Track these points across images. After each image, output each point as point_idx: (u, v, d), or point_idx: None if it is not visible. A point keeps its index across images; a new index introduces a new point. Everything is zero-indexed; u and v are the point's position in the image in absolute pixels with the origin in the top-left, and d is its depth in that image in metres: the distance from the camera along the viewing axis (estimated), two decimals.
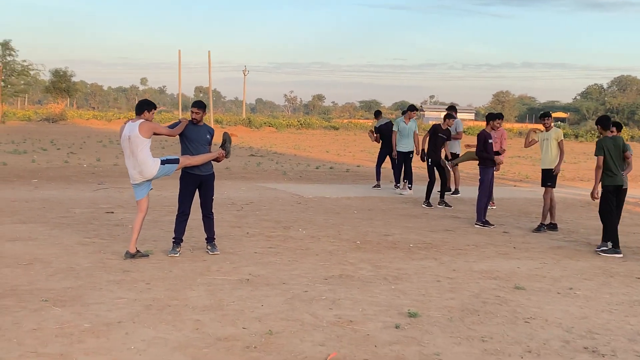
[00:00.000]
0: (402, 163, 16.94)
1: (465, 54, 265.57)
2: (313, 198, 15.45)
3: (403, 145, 16.69)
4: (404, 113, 16.91)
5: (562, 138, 12.09)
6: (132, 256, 8.75)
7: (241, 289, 7.44)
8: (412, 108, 16.86)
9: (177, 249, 9.14)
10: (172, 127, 9.07)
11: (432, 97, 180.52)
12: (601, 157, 10.33)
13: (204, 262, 8.72)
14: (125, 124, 8.85)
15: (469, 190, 17.06)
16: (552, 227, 12.20)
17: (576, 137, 64.43)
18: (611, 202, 10.37)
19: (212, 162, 9.32)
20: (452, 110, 16.47)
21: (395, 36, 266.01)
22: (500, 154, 13.91)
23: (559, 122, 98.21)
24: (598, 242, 10.66)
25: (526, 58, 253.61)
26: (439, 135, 14.68)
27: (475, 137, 14.48)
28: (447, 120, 14.90)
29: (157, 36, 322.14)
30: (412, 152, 16.73)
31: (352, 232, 11.24)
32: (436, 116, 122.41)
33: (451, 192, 16.52)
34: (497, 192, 17.02)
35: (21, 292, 7.02)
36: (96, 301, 6.78)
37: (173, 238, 9.21)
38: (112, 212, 12.34)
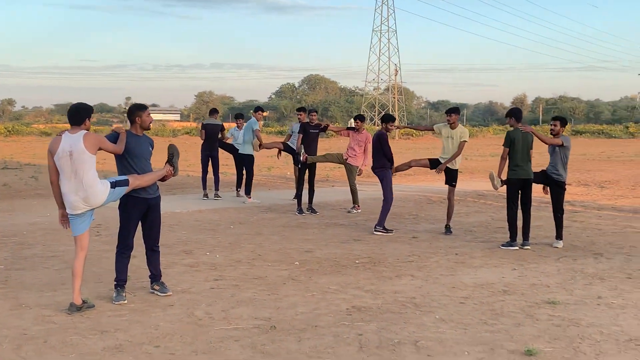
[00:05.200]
0: (248, 167, 15.48)
1: (157, 55, 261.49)
2: (164, 214, 13.44)
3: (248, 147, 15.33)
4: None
5: (467, 139, 11.53)
6: (79, 309, 6.63)
7: (285, 341, 5.84)
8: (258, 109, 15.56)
9: (123, 294, 7.13)
10: (111, 140, 7.05)
11: (128, 98, 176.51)
12: (506, 149, 10.28)
13: (173, 308, 6.87)
14: (60, 135, 6.71)
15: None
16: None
17: None
18: (514, 195, 10.35)
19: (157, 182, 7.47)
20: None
21: (81, 37, 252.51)
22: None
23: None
24: (505, 239, 10.54)
25: (215, 59, 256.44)
26: (310, 132, 13.59)
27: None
28: (311, 115, 13.92)
29: None
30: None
31: (268, 252, 9.84)
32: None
33: (294, 197, 15.48)
34: (323, 195, 16.45)
35: None
36: None
37: (116, 280, 7.16)
38: None
